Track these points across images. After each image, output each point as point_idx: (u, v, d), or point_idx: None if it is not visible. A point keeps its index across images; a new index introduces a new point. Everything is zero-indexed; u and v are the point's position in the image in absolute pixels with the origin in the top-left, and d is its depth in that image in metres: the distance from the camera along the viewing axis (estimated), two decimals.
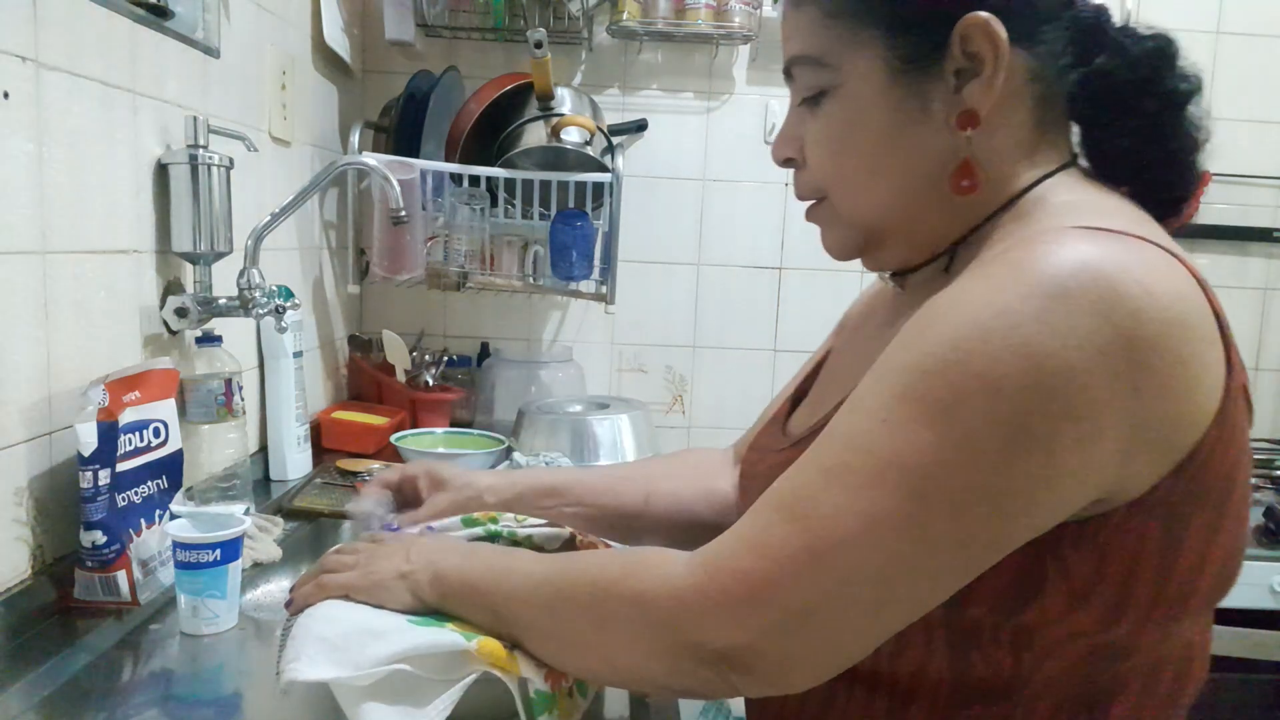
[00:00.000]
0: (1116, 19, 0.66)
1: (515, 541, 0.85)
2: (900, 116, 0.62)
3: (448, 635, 0.64)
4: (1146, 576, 0.56)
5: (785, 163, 0.70)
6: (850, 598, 0.53)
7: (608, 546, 0.84)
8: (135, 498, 0.98)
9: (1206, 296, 0.55)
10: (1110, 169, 0.65)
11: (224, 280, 1.21)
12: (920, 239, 0.67)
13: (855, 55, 0.63)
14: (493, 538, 0.84)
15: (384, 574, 0.70)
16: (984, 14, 0.59)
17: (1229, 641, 1.53)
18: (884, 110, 0.63)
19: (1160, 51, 0.64)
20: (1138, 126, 0.63)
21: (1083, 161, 0.67)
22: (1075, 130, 0.67)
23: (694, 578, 0.56)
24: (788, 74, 0.68)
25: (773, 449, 0.77)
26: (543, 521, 0.86)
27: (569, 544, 0.85)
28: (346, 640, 0.64)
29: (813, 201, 0.71)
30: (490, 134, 1.82)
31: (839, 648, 0.55)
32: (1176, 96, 0.64)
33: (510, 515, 0.87)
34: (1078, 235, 0.53)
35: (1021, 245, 0.55)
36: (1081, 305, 0.49)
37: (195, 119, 1.13)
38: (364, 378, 1.90)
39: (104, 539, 0.92)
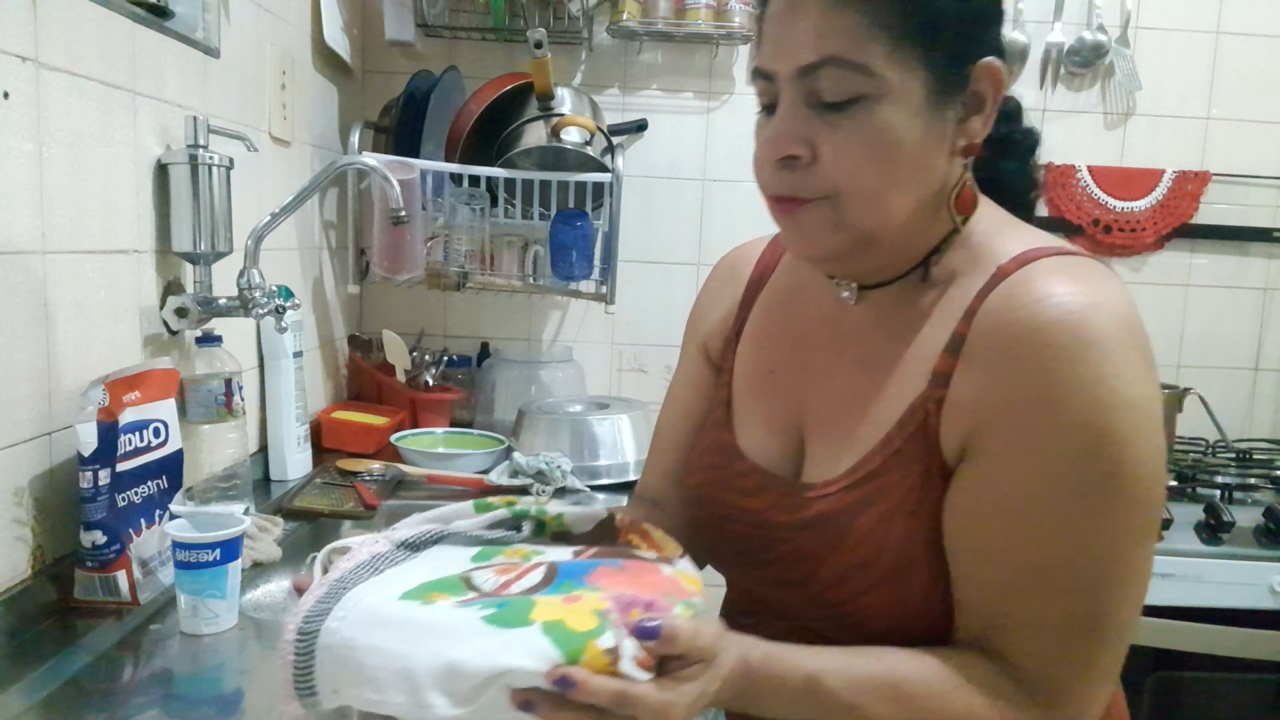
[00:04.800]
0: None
1: (543, 521, 0.76)
2: (927, 139, 0.68)
3: (547, 649, 0.55)
4: None
5: (786, 160, 0.69)
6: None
7: (652, 527, 0.75)
8: (135, 498, 0.98)
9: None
10: (990, 191, 0.78)
11: (224, 280, 1.21)
12: (906, 252, 0.74)
13: (898, 71, 0.66)
14: (519, 518, 0.76)
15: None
16: (997, 60, 0.69)
17: (1229, 641, 1.53)
18: (917, 130, 0.67)
19: (1012, 110, 0.80)
20: (1015, 163, 0.81)
21: None
22: None
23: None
24: (806, 72, 0.67)
25: (796, 496, 0.77)
26: (570, 501, 0.80)
27: (606, 525, 0.76)
28: (416, 650, 0.55)
29: (806, 200, 0.69)
30: (490, 134, 1.82)
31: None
32: (1028, 145, 0.82)
33: (529, 497, 0.80)
34: (1068, 277, 0.67)
35: (1036, 287, 0.67)
36: (1123, 349, 0.64)
37: (195, 119, 1.13)
38: (364, 378, 1.90)
39: (104, 539, 0.92)
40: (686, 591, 0.65)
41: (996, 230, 0.74)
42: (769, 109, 0.72)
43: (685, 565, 0.71)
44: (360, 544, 0.71)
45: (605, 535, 0.75)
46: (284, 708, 0.59)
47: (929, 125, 0.68)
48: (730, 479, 0.83)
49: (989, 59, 0.69)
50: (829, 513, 0.73)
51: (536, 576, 0.65)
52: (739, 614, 0.87)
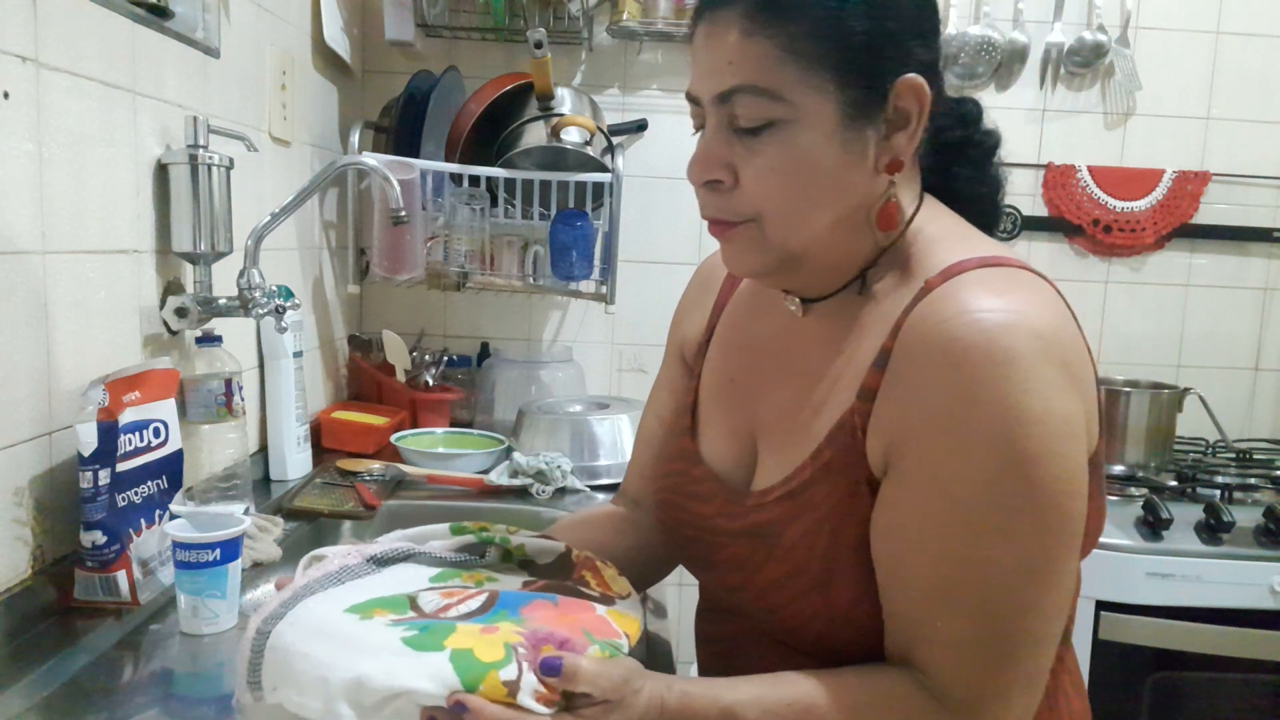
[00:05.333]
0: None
1: (508, 549, 0.83)
2: (845, 158, 0.69)
3: (448, 675, 0.59)
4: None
5: (708, 184, 0.72)
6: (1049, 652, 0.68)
7: (606, 564, 0.81)
8: (135, 498, 0.98)
9: (1067, 305, 0.71)
10: (947, 196, 0.79)
11: (224, 280, 1.21)
12: (838, 267, 0.75)
13: (811, 96, 0.67)
14: (485, 544, 0.83)
15: None
16: (919, 77, 0.69)
17: (1229, 641, 1.53)
18: (833, 151, 0.69)
19: (970, 113, 0.81)
20: (971, 167, 0.80)
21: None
22: None
23: None
24: (723, 99, 0.69)
25: (739, 502, 0.78)
26: (535, 533, 0.85)
27: (564, 558, 0.82)
28: (334, 662, 0.60)
29: (734, 221, 0.72)
30: (490, 134, 1.82)
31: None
32: (987, 147, 0.81)
33: (501, 525, 0.85)
34: (988, 290, 0.66)
35: (953, 303, 0.66)
36: (1037, 365, 0.63)
37: (195, 119, 1.13)
38: (364, 378, 1.90)
39: (104, 539, 0.92)
40: (613, 632, 0.69)
41: (935, 240, 0.74)
42: (702, 130, 0.74)
43: (625, 606, 0.75)
44: (334, 555, 0.77)
45: (563, 569, 0.81)
46: (238, 696, 0.65)
47: (846, 145, 0.69)
48: (687, 484, 0.85)
49: (910, 76, 0.69)
50: (764, 522, 0.75)
51: (475, 603, 0.70)
52: (707, 611, 0.90)
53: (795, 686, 0.68)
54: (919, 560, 0.67)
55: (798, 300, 0.79)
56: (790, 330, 0.81)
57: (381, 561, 0.78)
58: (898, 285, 0.73)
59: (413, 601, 0.71)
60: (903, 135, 0.70)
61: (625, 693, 0.64)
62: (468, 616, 0.68)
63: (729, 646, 0.84)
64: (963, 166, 0.80)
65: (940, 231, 0.75)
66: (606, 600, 0.75)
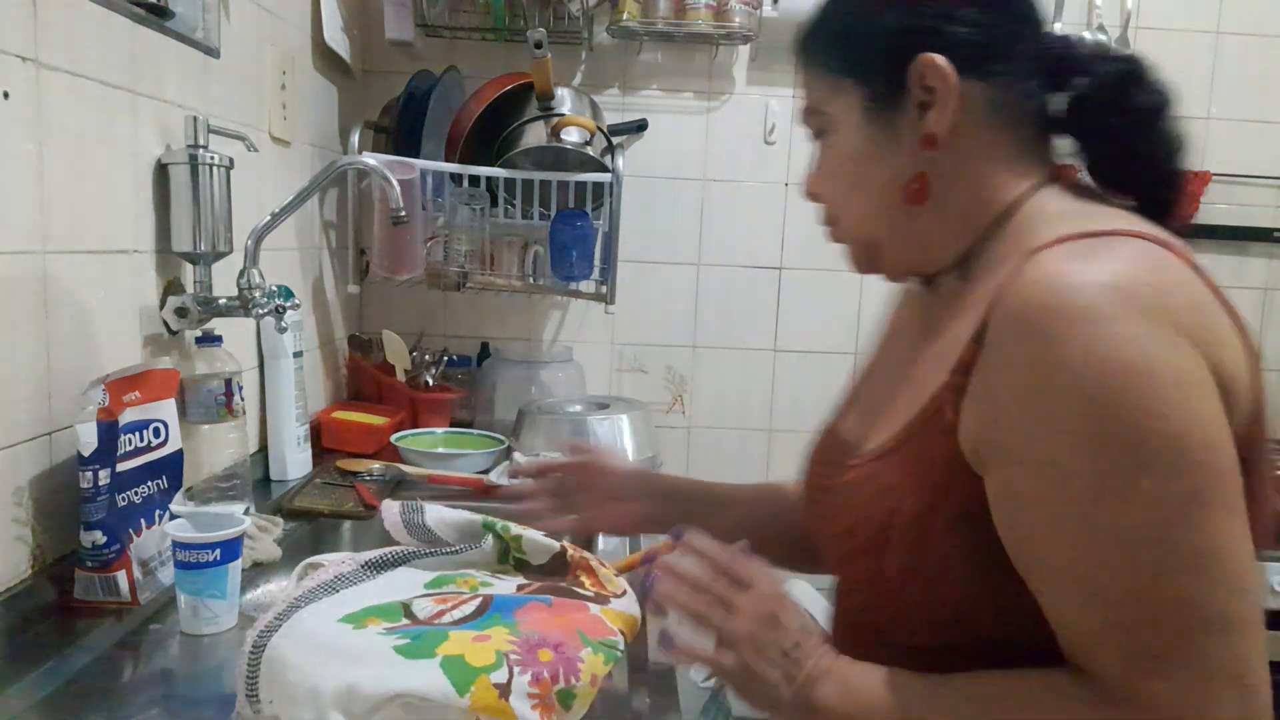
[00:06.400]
0: (1089, 40, 0.80)
1: (506, 541, 0.84)
2: (872, 145, 0.75)
3: (439, 681, 0.60)
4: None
5: (812, 197, 0.82)
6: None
7: (602, 565, 0.81)
8: (135, 498, 0.98)
9: (1199, 275, 0.66)
10: (1103, 179, 0.75)
11: (224, 280, 1.21)
12: (916, 248, 0.78)
13: (838, 101, 0.76)
14: (487, 528, 0.85)
15: (771, 652, 0.71)
16: (935, 55, 0.70)
17: None
18: (859, 141, 0.75)
19: (1128, 73, 0.74)
20: (1114, 139, 0.74)
21: (1083, 175, 0.76)
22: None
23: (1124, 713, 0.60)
24: (804, 124, 0.81)
25: (844, 463, 0.80)
26: (541, 532, 0.86)
27: (559, 558, 0.82)
28: (325, 672, 0.61)
29: (834, 226, 0.82)
30: (490, 134, 1.82)
31: None
32: (1144, 112, 0.74)
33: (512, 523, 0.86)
34: (1075, 256, 0.63)
35: (1035, 270, 0.63)
36: (1126, 318, 0.59)
37: (195, 119, 1.13)
38: (364, 378, 1.90)
39: (104, 539, 0.92)
40: (608, 630, 0.70)
41: (1047, 218, 0.70)
42: None
43: (621, 604, 0.76)
44: (329, 563, 0.78)
45: (559, 568, 0.83)
46: (238, 709, 0.66)
47: (874, 135, 0.75)
48: (814, 451, 0.90)
49: (924, 55, 0.71)
50: (849, 482, 0.77)
51: (469, 608, 0.71)
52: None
53: (953, 677, 0.67)
54: (1044, 548, 0.62)
55: (914, 280, 0.85)
56: (910, 314, 0.87)
57: (377, 566, 0.79)
58: (999, 263, 0.70)
59: (407, 609, 0.71)
60: (934, 112, 0.72)
61: (777, 607, 0.72)
62: (461, 622, 0.69)
63: None
64: (1108, 136, 0.74)
65: (1055, 211, 0.71)
66: (601, 599, 0.76)
